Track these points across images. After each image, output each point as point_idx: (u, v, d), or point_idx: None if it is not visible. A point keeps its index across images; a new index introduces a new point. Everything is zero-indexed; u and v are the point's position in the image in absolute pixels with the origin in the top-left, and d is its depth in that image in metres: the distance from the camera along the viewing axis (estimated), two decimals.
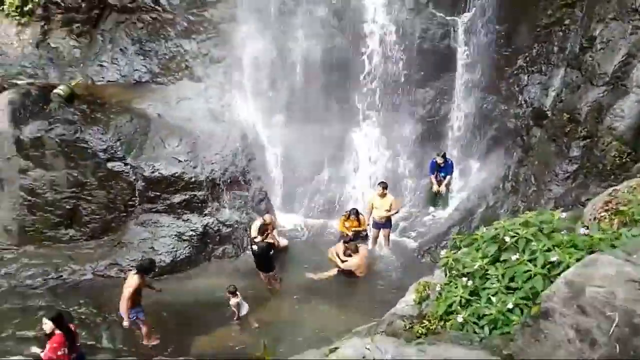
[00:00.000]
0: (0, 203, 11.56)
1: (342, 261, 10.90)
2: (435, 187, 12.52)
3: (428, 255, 11.55)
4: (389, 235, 12.07)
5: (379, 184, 11.57)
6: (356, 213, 11.71)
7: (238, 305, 9.81)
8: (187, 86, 13.15)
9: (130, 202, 11.71)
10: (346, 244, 11.05)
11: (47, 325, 7.31)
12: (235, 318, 9.87)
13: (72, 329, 7.43)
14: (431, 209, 13.07)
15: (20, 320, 9.55)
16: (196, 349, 9.29)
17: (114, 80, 13.43)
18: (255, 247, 10.60)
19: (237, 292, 9.77)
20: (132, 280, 8.83)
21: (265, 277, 10.83)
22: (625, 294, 2.62)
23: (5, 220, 11.60)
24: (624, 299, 2.61)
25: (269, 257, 10.64)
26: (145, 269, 9.09)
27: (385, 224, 11.77)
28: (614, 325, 2.52)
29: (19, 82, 12.88)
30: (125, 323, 8.95)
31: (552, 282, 3.57)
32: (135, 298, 8.88)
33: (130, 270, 9.65)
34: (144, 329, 9.24)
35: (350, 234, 11.54)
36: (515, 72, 11.91)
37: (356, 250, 10.75)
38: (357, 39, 12.46)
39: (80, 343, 7.93)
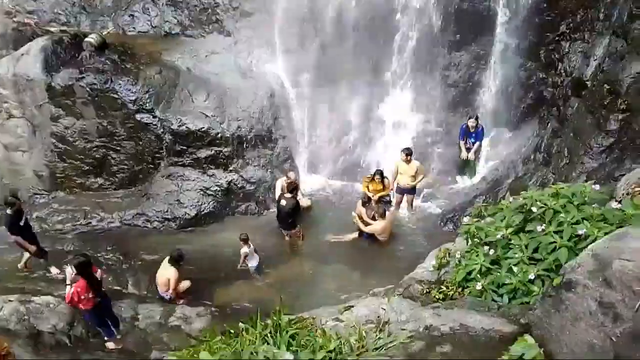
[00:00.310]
0: (32, 149, 11.87)
1: (366, 224, 10.85)
2: (464, 154, 12.26)
3: (451, 223, 11.41)
4: (412, 201, 11.97)
5: (402, 150, 11.33)
6: (381, 174, 11.49)
7: (247, 255, 10.02)
8: (216, 40, 13.03)
9: (158, 155, 11.86)
10: (365, 205, 10.98)
11: (69, 270, 7.54)
12: (240, 265, 10.12)
13: (97, 275, 7.63)
14: (458, 177, 12.86)
15: (50, 263, 9.91)
16: (216, 300, 9.53)
17: (145, 31, 13.39)
18: (284, 202, 10.63)
19: (249, 242, 9.98)
20: (172, 272, 8.97)
21: (288, 235, 10.94)
22: None
23: (37, 165, 11.95)
24: None
25: (295, 214, 10.71)
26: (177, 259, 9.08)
27: (410, 190, 11.65)
28: None
29: (52, 29, 12.96)
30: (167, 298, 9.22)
31: (577, 255, 3.48)
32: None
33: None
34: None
35: (372, 195, 11.43)
36: (556, 38, 11.34)
37: (383, 215, 10.69)
38: None
39: (105, 288, 8.19)
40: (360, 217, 10.86)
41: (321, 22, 12.49)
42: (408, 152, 11.20)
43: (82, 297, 7.32)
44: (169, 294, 9.11)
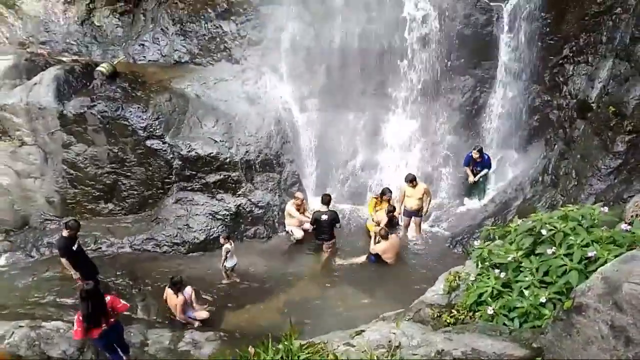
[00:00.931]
0: (44, 175, 12.04)
1: (376, 239, 10.91)
2: (470, 178, 12.35)
3: (460, 245, 11.39)
4: (420, 224, 11.97)
5: (405, 179, 11.44)
6: (389, 192, 11.68)
7: (229, 252, 10.18)
8: (225, 67, 13.30)
9: (167, 180, 11.99)
10: (390, 214, 11.26)
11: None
12: (222, 264, 10.31)
13: (106, 301, 7.61)
14: (466, 199, 12.88)
15: (60, 288, 9.95)
16: (225, 324, 9.50)
17: (155, 59, 13.70)
18: (324, 216, 11.00)
19: (231, 241, 10.18)
20: (175, 300, 9.02)
21: (328, 246, 11.28)
22: None
23: (48, 192, 12.10)
24: None
25: (336, 223, 11.20)
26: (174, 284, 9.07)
27: (417, 212, 11.68)
28: None
29: (64, 58, 13.28)
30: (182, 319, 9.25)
31: (587, 277, 3.49)
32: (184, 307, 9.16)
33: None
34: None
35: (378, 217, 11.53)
36: (560, 61, 11.49)
37: (386, 237, 10.72)
38: (397, 23, 12.24)
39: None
40: (376, 230, 10.86)
41: (327, 48, 12.73)
42: (412, 179, 11.32)
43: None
44: (181, 319, 9.13)
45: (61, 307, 9.39)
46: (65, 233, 9.22)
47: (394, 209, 11.53)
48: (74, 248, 9.32)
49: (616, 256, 3.66)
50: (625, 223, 4.45)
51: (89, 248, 11.50)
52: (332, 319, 9.15)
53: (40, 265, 10.94)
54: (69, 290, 9.71)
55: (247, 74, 13.16)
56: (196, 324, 9.26)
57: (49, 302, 9.66)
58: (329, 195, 11.40)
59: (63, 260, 9.34)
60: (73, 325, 7.70)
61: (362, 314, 8.72)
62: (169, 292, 9.13)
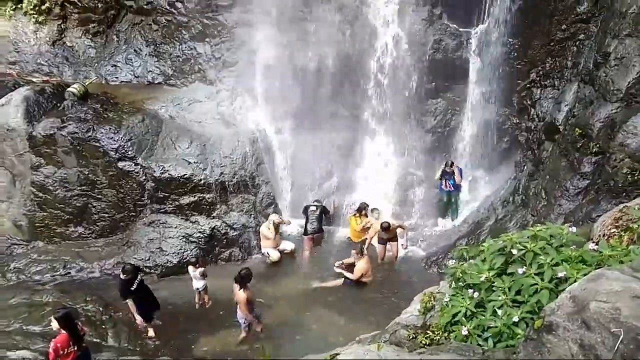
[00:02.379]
0: (11, 198, 11.71)
1: (350, 271, 10.92)
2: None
3: (435, 266, 11.49)
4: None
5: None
6: (365, 208, 12.06)
7: (195, 277, 10.10)
8: (199, 89, 13.29)
9: (140, 202, 11.80)
10: (385, 229, 11.21)
11: (54, 324, 7.36)
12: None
13: (80, 327, 7.45)
14: (440, 219, 13.03)
15: (28, 315, 9.60)
16: (199, 350, 9.30)
17: (128, 80, 13.61)
18: (314, 207, 12.17)
19: (198, 266, 10.10)
20: (239, 295, 8.92)
21: (311, 240, 12.11)
22: (631, 310, 2.59)
23: (16, 215, 11.76)
24: (629, 315, 2.58)
25: (326, 214, 12.42)
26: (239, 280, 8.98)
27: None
28: (619, 341, 2.49)
29: (34, 79, 13.09)
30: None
31: (558, 296, 3.55)
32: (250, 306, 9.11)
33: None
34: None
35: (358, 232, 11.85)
36: (528, 85, 11.87)
37: (361, 254, 10.78)
38: (369, 47, 12.50)
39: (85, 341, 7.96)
40: (342, 265, 10.97)
41: (301, 71, 12.88)
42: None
43: (62, 352, 7.10)
44: (244, 319, 9.08)
45: (28, 335, 9.06)
46: (122, 276, 9.12)
47: (389, 225, 11.39)
48: (133, 288, 9.20)
49: (585, 275, 3.75)
50: (593, 242, 4.56)
51: (57, 273, 11.20)
52: (308, 341, 9.08)
53: (7, 292, 10.54)
54: (37, 317, 9.39)
55: (222, 95, 13.18)
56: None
57: (15, 330, 9.30)
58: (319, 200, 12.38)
59: (128, 302, 9.27)
60: (40, 354, 7.47)
61: (338, 336, 8.69)
62: (234, 287, 8.94)
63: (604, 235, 5.33)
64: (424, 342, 4.95)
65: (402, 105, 12.85)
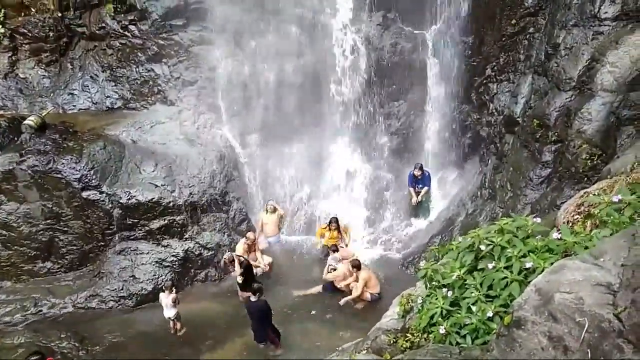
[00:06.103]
0: None
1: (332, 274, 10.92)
2: (414, 200, 12.68)
3: (412, 266, 11.57)
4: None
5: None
6: (336, 221, 11.80)
7: (166, 304, 9.89)
8: (160, 110, 13.11)
9: (108, 231, 11.51)
10: (334, 251, 11.15)
11: None
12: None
13: None
14: (412, 219, 13.16)
15: None
16: None
17: (86, 108, 13.33)
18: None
19: (172, 290, 9.92)
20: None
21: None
22: (593, 298, 2.66)
23: None
24: (592, 303, 2.64)
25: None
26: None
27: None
28: (585, 330, 2.55)
29: None
30: None
31: None
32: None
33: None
34: None
35: (329, 245, 11.61)
36: (484, 81, 12.13)
37: (359, 266, 10.78)
38: (328, 55, 12.60)
39: None
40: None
41: (263, 84, 12.89)
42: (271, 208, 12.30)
43: None
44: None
45: None
46: None
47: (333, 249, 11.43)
48: None
49: (552, 264, 3.82)
50: (558, 231, 4.66)
51: (28, 312, 10.81)
52: (292, 355, 9.01)
53: None
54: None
55: (184, 114, 13.03)
56: None
57: None
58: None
59: None
60: None
61: (322, 346, 8.64)
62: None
63: (568, 222, 5.46)
64: (404, 345, 4.97)
65: (365, 110, 12.98)
